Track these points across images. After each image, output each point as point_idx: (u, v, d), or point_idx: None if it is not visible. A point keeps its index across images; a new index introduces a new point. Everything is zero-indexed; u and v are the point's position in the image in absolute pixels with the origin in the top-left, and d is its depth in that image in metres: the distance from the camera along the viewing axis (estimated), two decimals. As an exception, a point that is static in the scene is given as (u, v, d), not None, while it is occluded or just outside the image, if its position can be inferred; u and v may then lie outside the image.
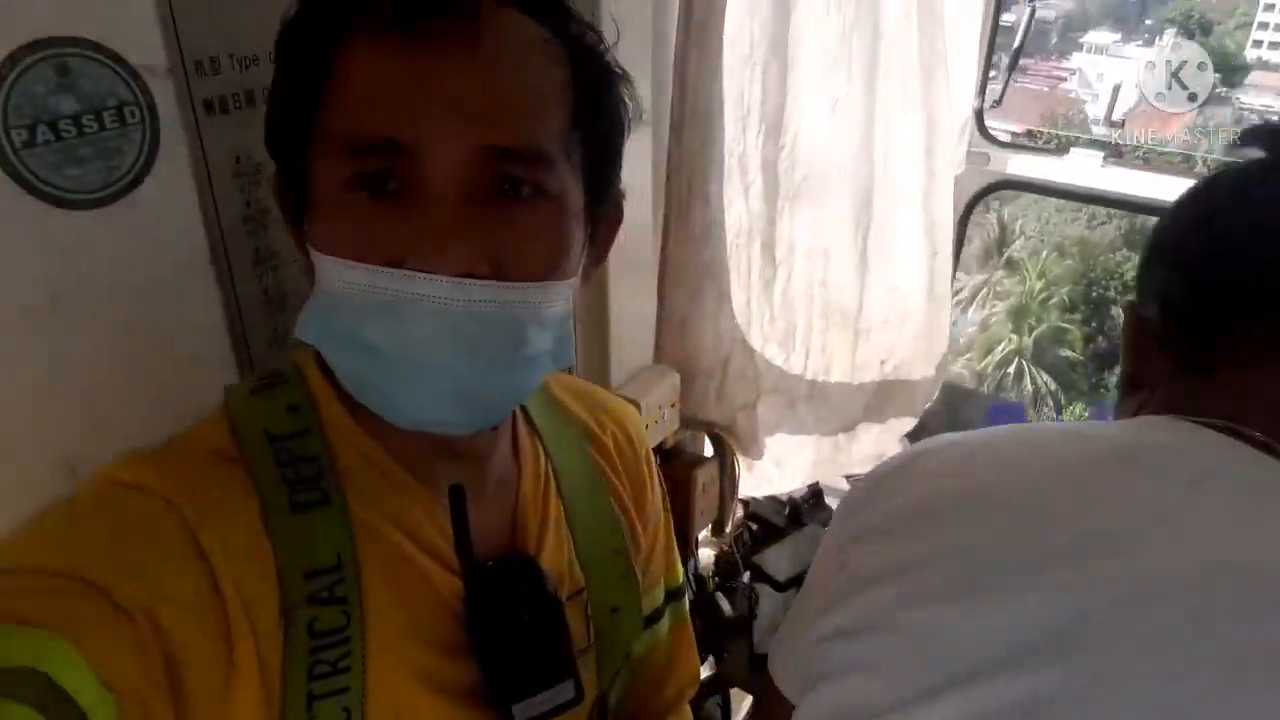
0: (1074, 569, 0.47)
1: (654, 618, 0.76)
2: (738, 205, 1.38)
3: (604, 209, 0.59)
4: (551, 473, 0.67)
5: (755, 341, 1.48)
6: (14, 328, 0.59)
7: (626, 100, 0.58)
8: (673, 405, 1.28)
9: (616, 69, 0.56)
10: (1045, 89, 17.83)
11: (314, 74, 0.49)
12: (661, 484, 0.79)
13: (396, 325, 0.49)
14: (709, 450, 1.54)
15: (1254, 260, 0.55)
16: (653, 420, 1.23)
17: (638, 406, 1.19)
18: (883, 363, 1.60)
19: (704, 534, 1.64)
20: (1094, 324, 15.88)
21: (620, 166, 0.59)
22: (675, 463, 1.47)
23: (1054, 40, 19.82)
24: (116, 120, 0.61)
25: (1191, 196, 0.60)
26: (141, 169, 0.63)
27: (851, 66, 1.35)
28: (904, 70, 1.37)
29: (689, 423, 1.41)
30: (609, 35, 0.57)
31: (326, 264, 0.50)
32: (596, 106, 0.54)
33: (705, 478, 1.47)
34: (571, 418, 0.71)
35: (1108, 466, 0.52)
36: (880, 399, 1.63)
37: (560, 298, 0.54)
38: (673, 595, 0.80)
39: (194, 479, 0.51)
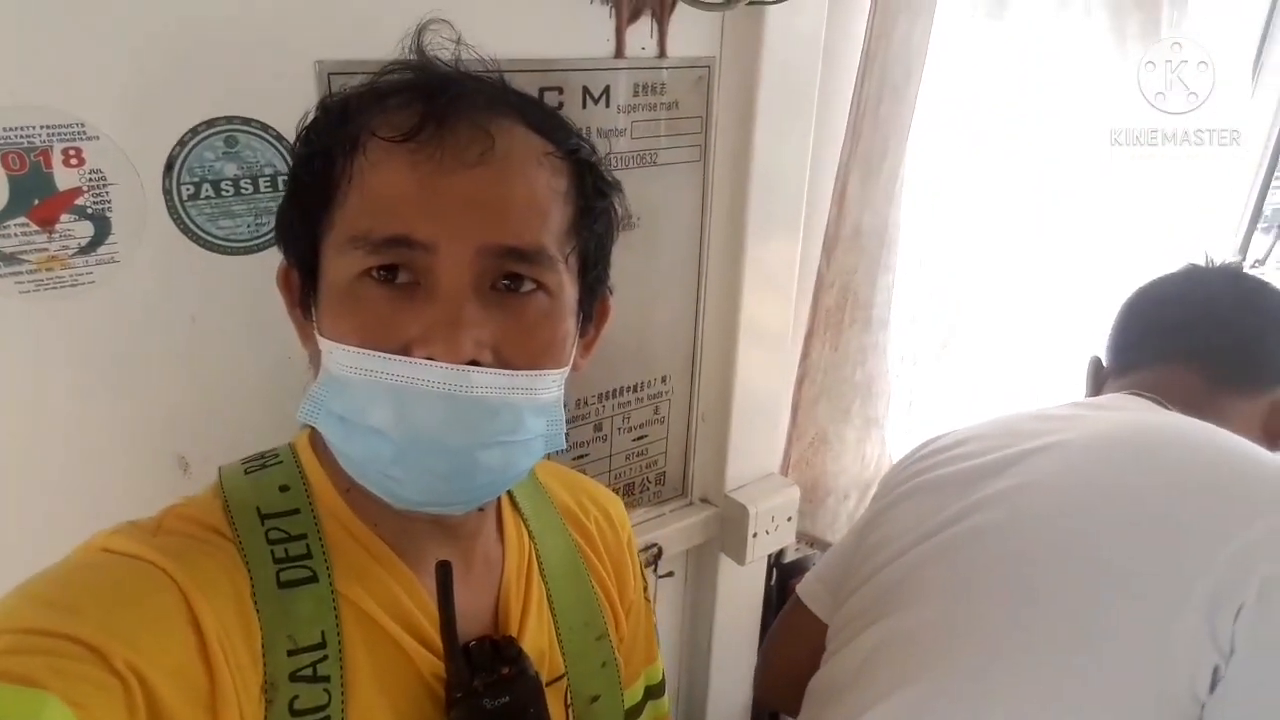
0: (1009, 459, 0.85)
1: (632, 713, 0.75)
2: (903, 335, 1.36)
3: (595, 304, 0.63)
4: (535, 555, 0.68)
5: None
6: (157, 341, 0.73)
7: (618, 208, 0.62)
8: (789, 519, 1.26)
9: (610, 179, 0.61)
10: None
11: (333, 175, 0.53)
12: (643, 573, 0.79)
13: (404, 409, 0.51)
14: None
15: (1145, 323, 1.03)
16: (764, 529, 1.22)
17: (746, 512, 1.19)
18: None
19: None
20: None
21: (609, 266, 0.63)
22: (794, 580, 1.42)
23: None
24: (270, 186, 0.73)
25: (1128, 299, 1.06)
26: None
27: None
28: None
29: (809, 540, 1.37)
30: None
31: (336, 350, 0.53)
32: (592, 213, 0.59)
33: (824, 602, 1.41)
34: (555, 501, 0.73)
35: (1059, 407, 0.94)
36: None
37: (554, 385, 0.57)
38: (652, 692, 0.79)
39: (187, 551, 0.52)
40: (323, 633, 0.54)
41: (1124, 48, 1.37)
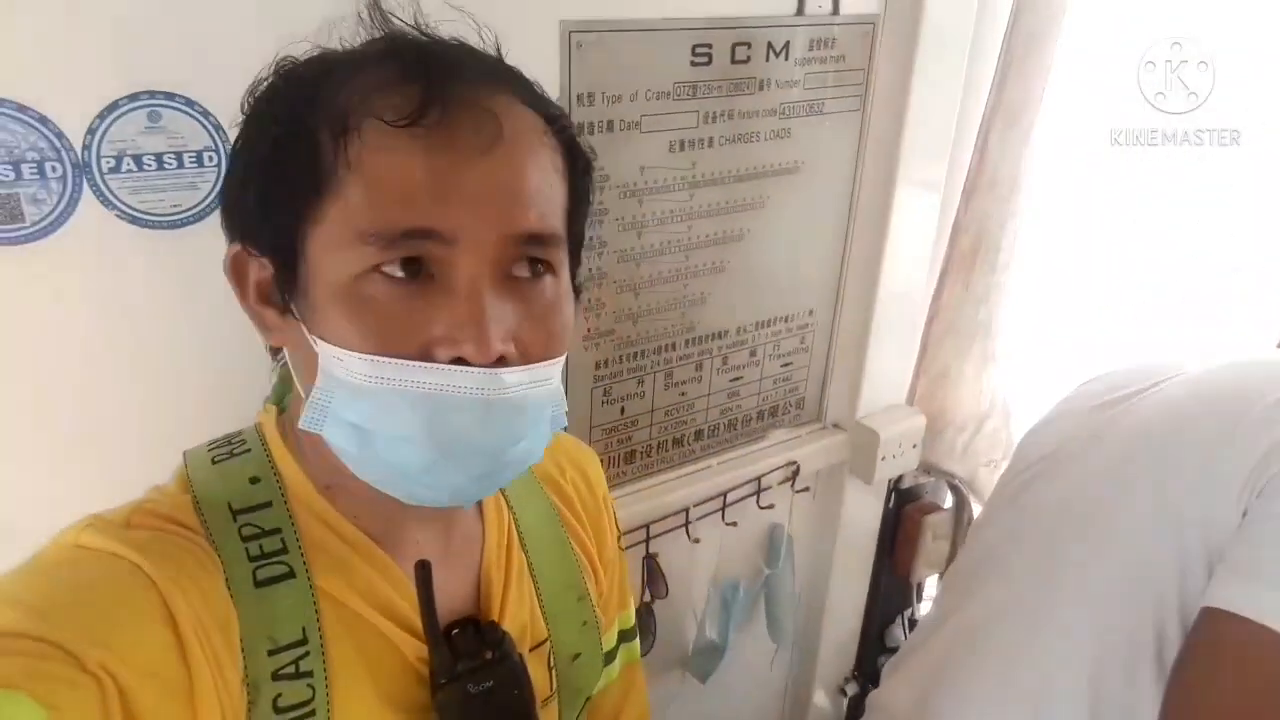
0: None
1: (608, 659, 0.77)
2: (1030, 274, 1.42)
3: (577, 282, 0.60)
4: (514, 525, 0.68)
5: (1017, 408, 1.50)
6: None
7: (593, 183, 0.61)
8: (914, 446, 1.36)
9: (589, 152, 0.59)
10: None
11: (320, 159, 0.49)
12: (617, 527, 0.80)
13: (436, 418, 0.49)
14: (949, 503, 1.58)
15: None
16: (891, 454, 1.33)
17: (877, 437, 1.30)
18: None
19: (932, 585, 1.68)
20: None
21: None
22: (909, 505, 1.53)
23: None
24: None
25: None
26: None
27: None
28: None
29: (929, 468, 1.47)
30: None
31: (349, 359, 0.49)
32: (582, 188, 0.58)
33: (936, 527, 1.51)
34: (534, 467, 0.71)
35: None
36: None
37: (560, 370, 0.56)
38: (625, 636, 0.81)
39: (160, 546, 0.51)
40: (303, 629, 0.53)
41: None
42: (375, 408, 0.50)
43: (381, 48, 0.52)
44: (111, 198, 0.71)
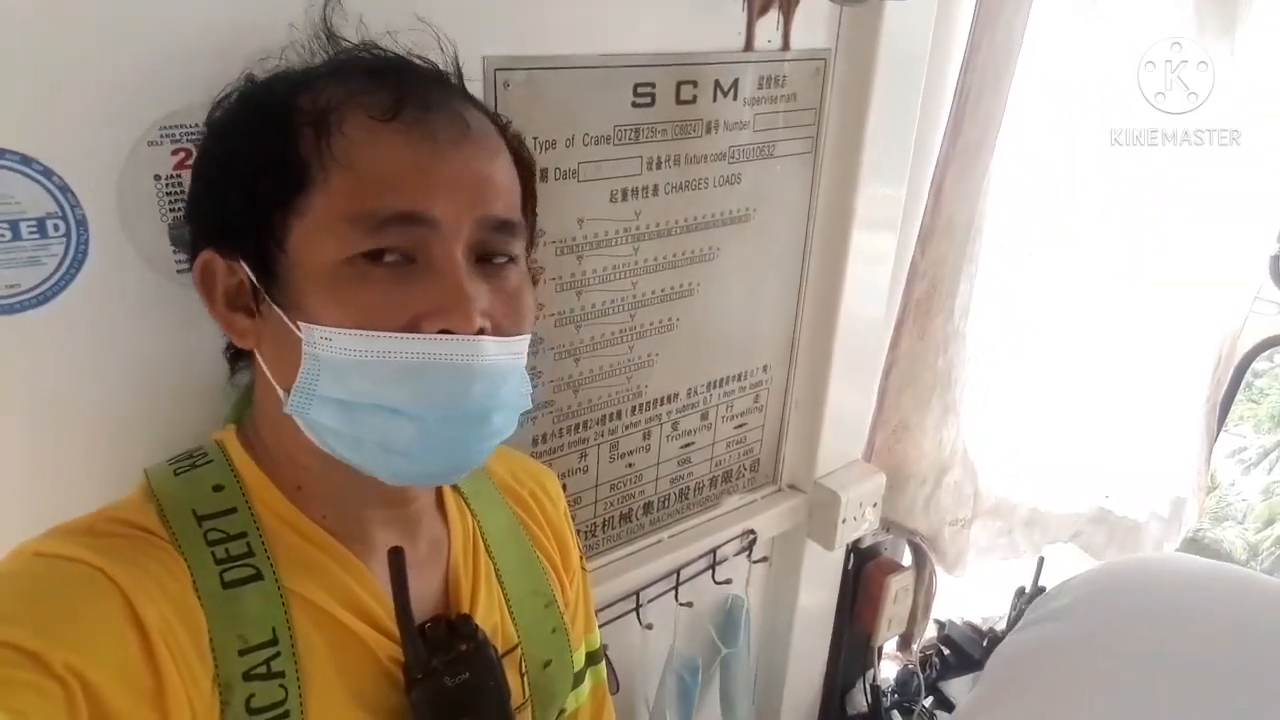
0: None
1: (577, 679, 0.76)
2: (988, 320, 1.36)
3: (531, 272, 0.63)
4: (478, 531, 0.69)
5: (979, 458, 1.44)
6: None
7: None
8: (874, 505, 1.28)
9: (529, 155, 0.62)
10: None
11: (300, 156, 0.51)
12: (578, 543, 0.80)
13: (425, 386, 0.52)
14: (908, 559, 1.50)
15: None
16: (852, 516, 1.24)
17: (838, 498, 1.21)
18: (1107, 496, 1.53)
19: (890, 645, 1.59)
20: None
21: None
22: (869, 564, 1.45)
23: None
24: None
25: None
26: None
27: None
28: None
29: (890, 527, 1.39)
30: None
31: (337, 336, 0.51)
32: (530, 188, 0.61)
33: (898, 587, 1.43)
34: (491, 475, 0.73)
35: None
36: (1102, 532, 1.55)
37: (527, 349, 0.59)
38: (592, 658, 0.80)
39: (123, 550, 0.51)
40: (273, 629, 0.54)
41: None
42: (365, 381, 0.51)
43: (346, 59, 0.57)
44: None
